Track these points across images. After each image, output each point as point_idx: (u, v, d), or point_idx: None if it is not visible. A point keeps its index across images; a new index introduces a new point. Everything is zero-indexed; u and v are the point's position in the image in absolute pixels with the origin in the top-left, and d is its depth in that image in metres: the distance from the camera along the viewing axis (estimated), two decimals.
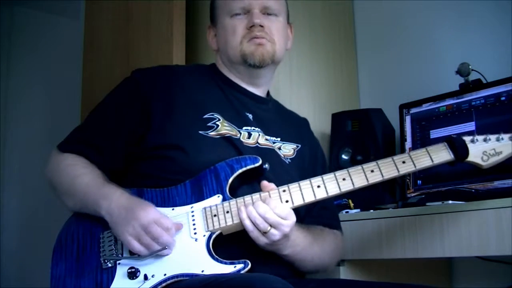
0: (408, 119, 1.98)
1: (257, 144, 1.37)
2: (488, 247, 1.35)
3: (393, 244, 1.53)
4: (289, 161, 1.40)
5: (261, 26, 1.39)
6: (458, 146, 1.25)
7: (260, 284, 1.04)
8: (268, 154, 1.35)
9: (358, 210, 1.71)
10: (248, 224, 1.19)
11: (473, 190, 1.54)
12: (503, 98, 1.74)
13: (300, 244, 1.28)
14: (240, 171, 1.27)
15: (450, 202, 1.48)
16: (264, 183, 1.25)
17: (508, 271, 1.76)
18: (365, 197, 1.88)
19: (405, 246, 1.50)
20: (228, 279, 1.11)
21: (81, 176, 1.31)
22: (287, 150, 1.42)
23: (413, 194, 1.88)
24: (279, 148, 1.40)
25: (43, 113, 3.49)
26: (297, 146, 1.44)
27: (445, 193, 1.60)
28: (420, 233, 1.47)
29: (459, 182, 1.76)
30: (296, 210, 1.24)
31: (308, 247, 1.31)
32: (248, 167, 1.27)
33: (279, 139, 1.41)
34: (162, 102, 1.35)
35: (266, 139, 1.38)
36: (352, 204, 1.77)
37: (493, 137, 1.26)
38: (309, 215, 1.38)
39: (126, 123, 1.36)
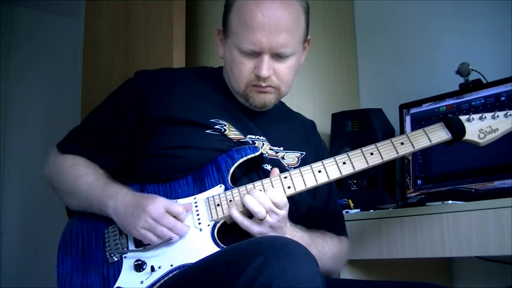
0: (408, 119, 1.98)
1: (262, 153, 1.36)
2: (488, 247, 1.35)
3: (393, 244, 1.53)
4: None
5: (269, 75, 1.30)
6: (454, 125, 1.26)
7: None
8: (273, 164, 1.34)
9: (358, 210, 1.71)
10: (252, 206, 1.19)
11: (473, 190, 1.54)
12: (503, 98, 1.74)
13: None
14: (240, 160, 1.28)
15: (450, 202, 1.48)
16: (275, 170, 1.27)
17: (508, 271, 1.76)
18: (365, 197, 1.89)
19: (405, 246, 1.50)
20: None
21: (84, 177, 1.31)
22: (291, 159, 1.40)
23: (413, 194, 1.88)
24: (283, 158, 1.39)
25: (43, 113, 3.49)
26: (301, 154, 1.42)
27: (445, 193, 1.60)
28: (420, 233, 1.47)
29: (459, 182, 1.76)
30: (297, 212, 1.24)
31: None
32: (249, 157, 1.29)
33: (282, 148, 1.40)
34: (164, 107, 1.33)
35: (271, 149, 1.37)
36: (352, 204, 1.77)
37: (488, 115, 1.27)
38: (311, 220, 1.37)
39: (125, 125, 1.35)
